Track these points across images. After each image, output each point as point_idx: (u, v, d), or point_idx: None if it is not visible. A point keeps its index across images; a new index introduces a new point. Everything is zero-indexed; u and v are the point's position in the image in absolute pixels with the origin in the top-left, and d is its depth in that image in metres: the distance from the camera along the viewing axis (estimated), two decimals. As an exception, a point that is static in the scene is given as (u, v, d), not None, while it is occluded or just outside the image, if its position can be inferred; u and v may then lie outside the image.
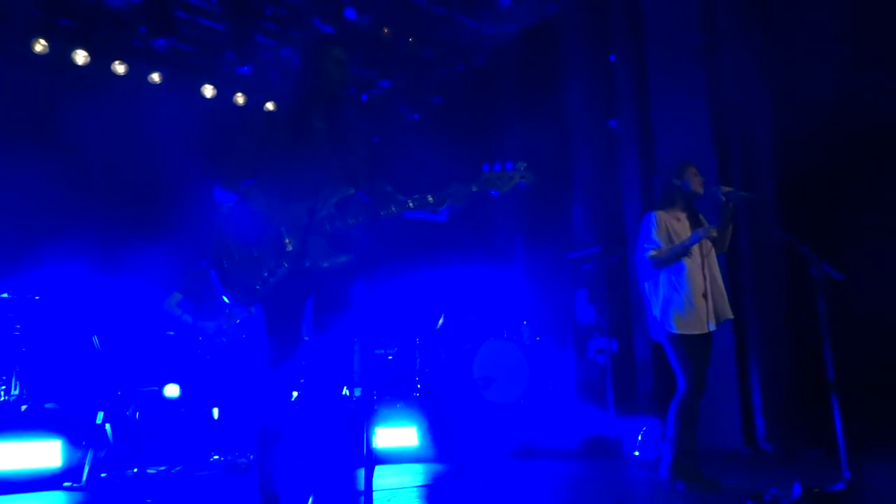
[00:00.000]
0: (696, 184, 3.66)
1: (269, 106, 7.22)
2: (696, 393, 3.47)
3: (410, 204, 2.56)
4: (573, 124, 6.68)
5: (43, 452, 4.14)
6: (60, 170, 6.01)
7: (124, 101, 6.63)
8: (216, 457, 4.83)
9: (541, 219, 6.94)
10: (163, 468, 4.64)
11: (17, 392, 4.64)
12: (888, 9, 4.71)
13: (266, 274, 2.50)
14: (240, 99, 7.28)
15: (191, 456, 4.80)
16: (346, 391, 5.51)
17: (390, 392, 6.09)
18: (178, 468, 4.65)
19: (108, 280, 5.80)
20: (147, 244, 5.73)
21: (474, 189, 2.58)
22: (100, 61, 6.52)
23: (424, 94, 7.86)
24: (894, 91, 4.52)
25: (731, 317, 3.60)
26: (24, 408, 4.40)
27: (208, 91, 7.11)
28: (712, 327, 3.49)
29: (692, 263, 3.52)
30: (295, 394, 4.54)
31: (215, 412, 5.01)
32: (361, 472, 2.19)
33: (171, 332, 5.40)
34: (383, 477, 4.31)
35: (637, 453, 5.08)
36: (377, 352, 6.32)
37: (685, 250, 3.51)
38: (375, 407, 5.37)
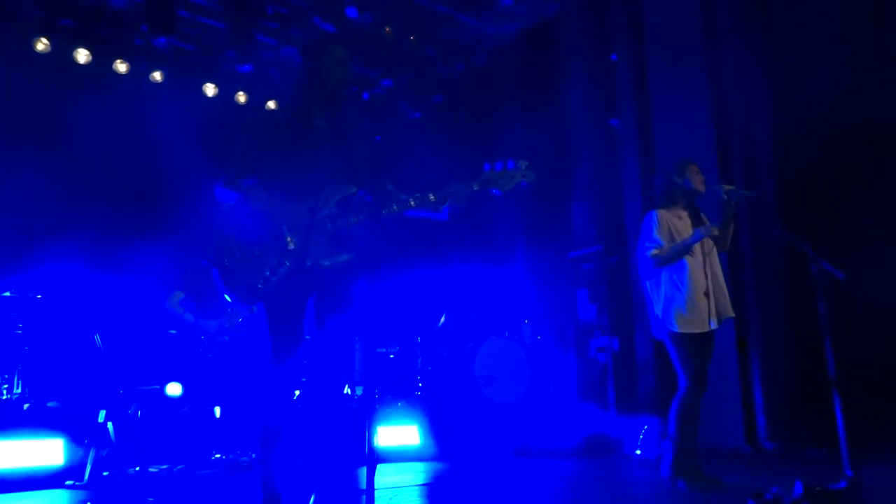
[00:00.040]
0: (697, 182, 3.66)
1: (271, 105, 7.21)
2: (697, 392, 3.47)
3: (412, 203, 2.56)
4: (574, 123, 6.68)
5: (45, 451, 4.15)
6: (62, 168, 6.02)
7: (126, 99, 6.64)
8: (218, 455, 4.84)
9: (542, 218, 6.94)
10: (165, 467, 4.65)
11: (19, 391, 4.65)
12: (888, 9, 4.70)
13: (268, 273, 2.51)
14: (241, 98, 7.29)
15: (193, 454, 4.81)
16: (347, 390, 5.52)
17: (392, 391, 6.09)
18: (179, 467, 4.66)
19: (109, 279, 5.81)
20: (149, 243, 5.74)
21: (476, 188, 2.58)
22: (101, 60, 6.52)
23: (425, 93, 7.86)
24: (894, 91, 4.52)
25: (733, 315, 3.60)
26: (26, 406, 4.41)
27: (209, 90, 7.12)
28: (714, 326, 3.49)
29: (694, 262, 3.52)
30: (297, 392, 4.54)
31: (217, 411, 5.01)
32: (363, 471, 2.19)
33: (173, 331, 5.40)
34: (385, 475, 4.31)
35: (638, 452, 5.09)
36: (378, 350, 6.32)
37: (687, 249, 3.51)
38: (377, 405, 5.38)
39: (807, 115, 4.98)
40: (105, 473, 4.38)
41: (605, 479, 4.21)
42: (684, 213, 3.67)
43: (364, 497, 2.15)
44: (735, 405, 5.35)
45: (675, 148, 5.59)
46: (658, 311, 3.55)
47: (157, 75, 6.80)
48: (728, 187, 3.57)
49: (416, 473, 4.59)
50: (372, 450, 2.17)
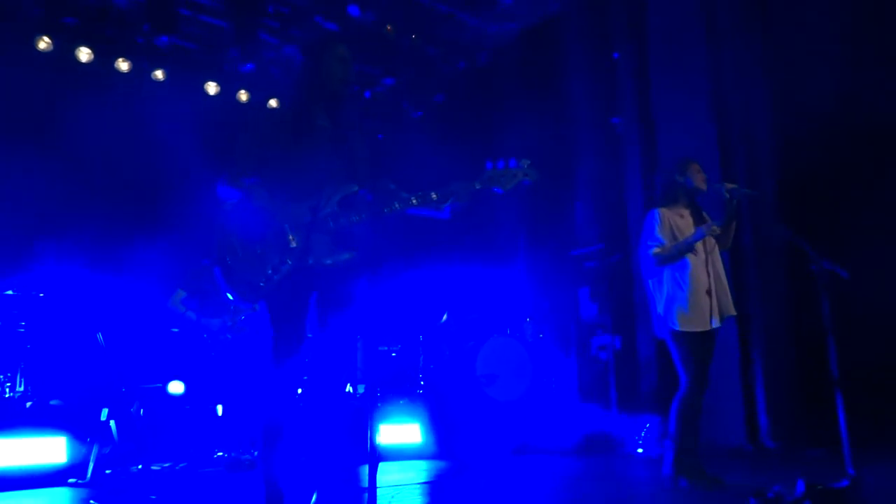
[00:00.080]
0: (698, 180, 3.66)
1: (273, 103, 7.23)
2: (698, 390, 3.47)
3: (414, 201, 2.56)
4: (575, 122, 6.68)
5: (48, 449, 4.16)
6: (64, 167, 6.03)
7: (127, 98, 6.64)
8: (220, 453, 4.85)
9: (543, 216, 6.94)
10: (167, 465, 4.66)
11: (21, 389, 4.66)
12: (888, 9, 4.70)
13: (270, 271, 2.51)
14: (243, 96, 7.29)
15: (195, 452, 4.82)
16: (349, 388, 5.53)
17: (393, 389, 6.10)
18: (182, 465, 4.67)
19: (112, 277, 5.81)
20: (151, 241, 5.75)
21: (477, 186, 2.58)
22: (103, 59, 6.53)
23: (427, 91, 7.86)
24: (895, 90, 4.51)
25: (735, 314, 3.60)
26: (28, 404, 4.42)
27: (211, 88, 7.12)
28: (716, 324, 3.49)
29: (696, 260, 3.52)
30: (299, 390, 4.55)
31: (219, 409, 5.02)
32: (365, 469, 2.19)
33: (176, 330, 5.41)
34: (387, 474, 4.32)
35: (640, 450, 5.09)
36: (380, 349, 6.33)
37: (689, 247, 3.51)
38: (379, 404, 5.39)
39: (808, 114, 4.97)
40: (108, 471, 4.40)
41: (606, 478, 4.21)
42: (686, 212, 3.67)
43: (366, 495, 2.16)
44: (737, 404, 5.35)
45: (676, 146, 5.59)
46: (660, 309, 3.55)
47: (158, 74, 6.81)
48: (730, 185, 3.56)
49: (418, 472, 4.59)
50: (374, 448, 2.17)
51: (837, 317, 3.20)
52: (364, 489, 2.22)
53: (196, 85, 7.07)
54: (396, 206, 2.56)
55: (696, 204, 3.71)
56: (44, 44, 6.19)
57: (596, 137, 6.52)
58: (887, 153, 4.73)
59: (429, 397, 5.88)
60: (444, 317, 6.46)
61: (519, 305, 6.76)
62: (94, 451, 4.25)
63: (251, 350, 5.17)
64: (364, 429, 2.24)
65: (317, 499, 2.50)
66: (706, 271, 3.52)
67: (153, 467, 4.60)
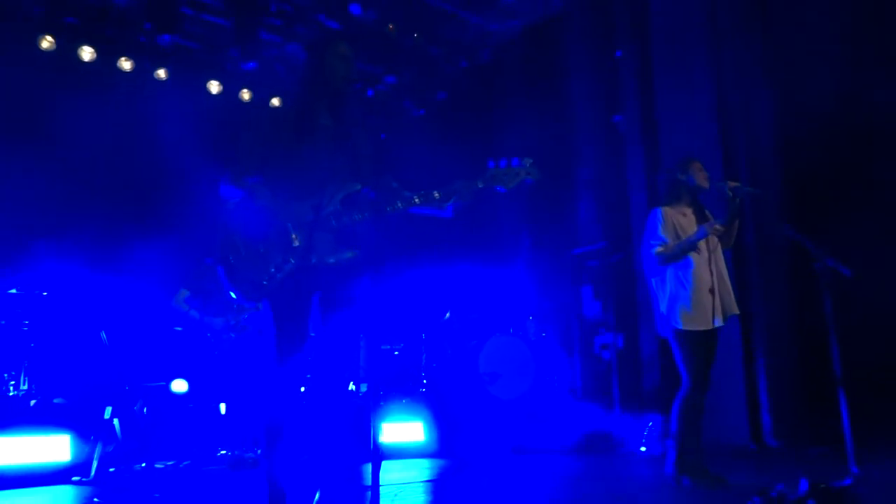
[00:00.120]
0: (701, 178, 3.65)
1: (275, 102, 7.24)
2: (699, 390, 3.47)
3: (416, 200, 2.56)
4: (578, 120, 6.67)
5: (52, 447, 4.17)
6: (67, 166, 6.04)
7: (130, 97, 6.66)
8: (223, 451, 4.86)
9: (546, 215, 6.93)
10: (171, 463, 4.67)
11: (25, 387, 4.67)
12: (888, 8, 4.69)
13: (273, 270, 2.52)
14: (245, 95, 7.29)
15: (198, 451, 4.83)
16: (352, 386, 5.54)
17: (396, 387, 6.10)
18: (185, 463, 4.68)
19: (115, 276, 5.83)
20: (154, 240, 5.76)
21: (480, 185, 2.58)
22: (105, 58, 6.54)
23: (429, 90, 7.86)
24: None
25: (738, 312, 3.60)
26: (33, 403, 4.43)
27: (214, 87, 7.13)
28: (718, 323, 3.48)
29: (699, 259, 3.52)
30: (302, 389, 4.55)
31: (222, 407, 5.03)
32: (368, 467, 2.20)
33: (179, 328, 5.42)
34: (390, 472, 4.32)
35: (643, 449, 5.09)
36: (383, 347, 6.34)
37: (692, 246, 3.50)
38: (381, 402, 5.39)
39: (811, 112, 4.96)
40: (111, 469, 4.41)
41: (609, 476, 4.21)
42: (689, 210, 3.66)
43: (369, 493, 2.16)
44: (740, 403, 5.34)
45: (679, 145, 5.58)
46: (663, 308, 3.55)
47: (161, 73, 6.81)
48: (732, 184, 3.56)
49: (421, 470, 4.60)
50: (376, 446, 2.18)
51: (840, 315, 3.19)
52: (367, 487, 2.23)
53: (198, 84, 7.08)
54: (399, 204, 2.56)
55: (699, 202, 3.71)
56: (46, 43, 6.20)
57: (598, 136, 6.52)
58: (890, 152, 4.72)
59: (431, 396, 5.89)
60: (447, 315, 6.46)
61: (521, 304, 6.76)
62: (97, 449, 4.26)
63: (254, 349, 5.17)
64: (367, 427, 2.24)
65: (320, 497, 2.50)
66: (709, 270, 3.52)
67: (157, 465, 4.61)
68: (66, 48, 6.33)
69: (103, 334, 5.16)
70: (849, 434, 3.10)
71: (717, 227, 3.51)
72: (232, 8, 6.45)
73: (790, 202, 5.45)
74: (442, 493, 3.66)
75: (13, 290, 4.87)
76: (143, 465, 4.57)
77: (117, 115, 6.40)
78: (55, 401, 4.53)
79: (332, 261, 2.56)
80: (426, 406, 5.56)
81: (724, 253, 3.67)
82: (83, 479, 4.15)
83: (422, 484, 3.95)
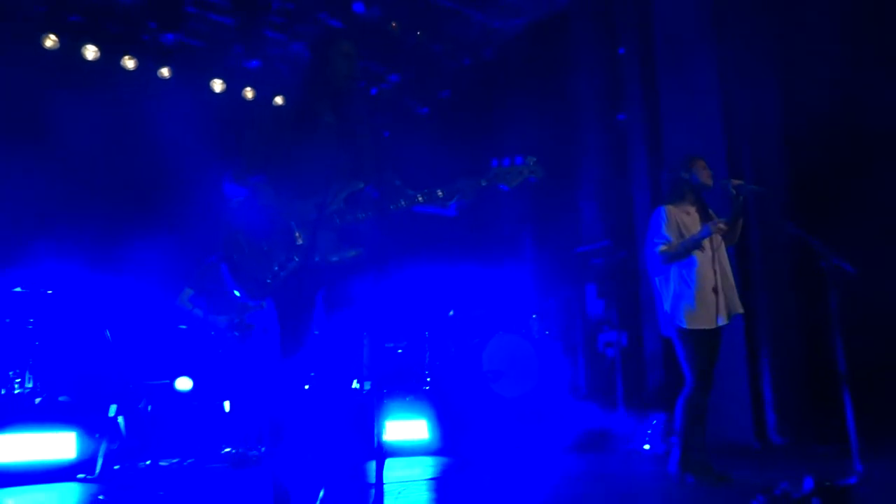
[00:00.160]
0: (704, 177, 3.64)
1: (278, 100, 7.24)
2: (703, 389, 3.46)
3: (419, 198, 2.57)
4: (582, 118, 6.66)
5: (57, 444, 4.19)
6: (71, 164, 6.05)
7: (134, 96, 6.67)
8: (227, 449, 4.87)
9: (549, 213, 6.92)
10: (175, 460, 4.68)
11: (31, 385, 4.69)
12: (889, 8, 4.68)
13: (276, 268, 2.52)
14: (249, 93, 7.30)
15: (202, 448, 4.84)
16: (355, 384, 5.54)
17: (400, 385, 6.11)
18: (189, 460, 4.70)
19: (120, 274, 5.84)
20: (158, 238, 5.77)
21: (483, 184, 2.58)
22: (109, 56, 6.55)
23: (432, 88, 7.85)
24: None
25: (742, 311, 3.59)
26: (38, 400, 4.45)
27: (217, 86, 7.14)
28: (722, 322, 3.48)
29: (703, 257, 3.51)
30: (306, 387, 4.56)
31: (226, 405, 5.05)
32: (372, 465, 2.20)
33: (183, 327, 5.44)
34: (394, 470, 4.33)
35: (647, 447, 5.08)
36: (387, 345, 6.34)
37: (696, 244, 3.49)
38: (385, 400, 5.39)
39: (816, 111, 4.95)
40: (116, 467, 4.42)
41: (612, 474, 4.21)
42: (692, 209, 3.65)
43: (373, 491, 2.16)
44: (744, 401, 5.34)
45: (683, 143, 5.56)
46: (667, 307, 3.54)
47: (164, 71, 6.82)
48: (736, 182, 3.55)
49: (425, 468, 4.61)
50: (380, 444, 2.18)
51: (845, 313, 3.19)
52: (371, 485, 2.23)
53: (202, 82, 7.09)
54: (402, 203, 2.56)
55: (703, 201, 3.70)
56: (50, 42, 6.21)
57: (602, 134, 6.50)
58: (894, 150, 4.71)
59: (435, 394, 5.89)
60: (451, 313, 6.46)
61: (525, 302, 6.76)
62: (102, 446, 4.27)
63: (258, 347, 5.18)
64: (370, 425, 2.25)
65: (324, 495, 2.51)
66: (713, 269, 3.51)
67: (161, 463, 4.62)
68: (70, 47, 6.34)
69: (108, 332, 5.18)
70: (853, 432, 3.09)
71: (721, 225, 3.50)
72: (235, 6, 6.46)
73: (794, 200, 5.43)
74: (446, 491, 3.67)
75: (18, 289, 4.89)
76: (148, 462, 4.58)
77: (121, 113, 6.41)
78: (60, 398, 4.54)
79: (335, 259, 2.56)
80: (429, 404, 5.56)
81: (728, 251, 3.66)
82: (88, 477, 4.17)
83: (425, 482, 3.96)
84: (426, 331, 6.37)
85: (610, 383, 5.94)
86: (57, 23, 6.24)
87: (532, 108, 7.01)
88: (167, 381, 5.05)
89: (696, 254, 3.50)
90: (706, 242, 3.53)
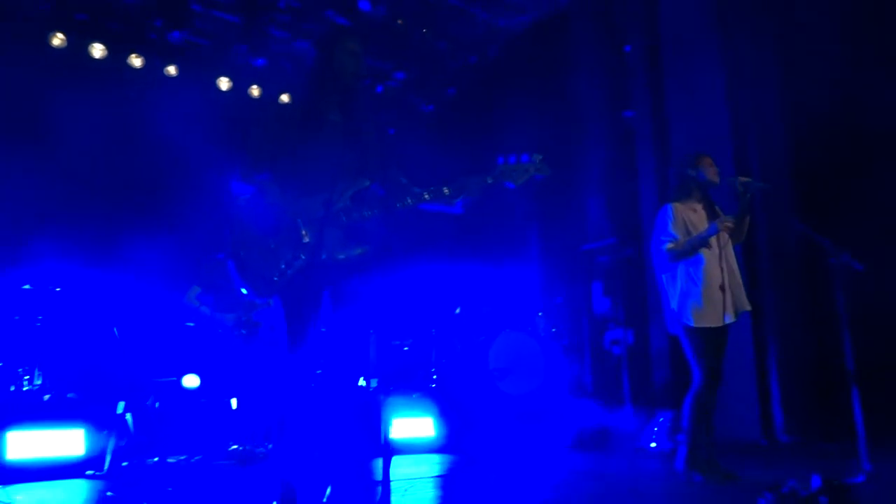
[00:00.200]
0: (711, 174, 3.63)
1: (284, 98, 7.25)
2: (711, 386, 3.45)
3: (426, 196, 2.57)
4: (588, 115, 6.64)
5: (66, 441, 4.22)
6: (79, 162, 6.07)
7: (140, 94, 6.69)
8: (234, 446, 4.88)
9: (555, 210, 6.92)
10: (182, 457, 4.70)
11: (39, 382, 4.72)
12: (889, 8, 4.65)
13: (283, 266, 2.53)
14: (255, 91, 7.31)
15: (210, 445, 4.86)
16: (362, 382, 5.55)
17: (406, 383, 6.12)
18: (197, 457, 4.72)
19: (128, 272, 5.87)
20: (166, 236, 5.79)
21: (490, 181, 2.58)
22: (116, 55, 6.58)
23: (438, 85, 7.85)
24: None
25: (749, 309, 3.58)
26: (46, 397, 4.48)
27: (223, 83, 7.15)
28: (729, 320, 3.46)
29: (710, 255, 3.50)
30: (313, 385, 4.57)
31: (234, 402, 5.06)
32: (378, 463, 2.21)
33: (191, 324, 5.46)
34: (400, 467, 4.34)
35: (653, 445, 5.07)
36: (393, 343, 6.35)
37: (702, 242, 3.48)
38: (391, 398, 5.41)
39: (823, 108, 4.92)
40: (124, 464, 4.44)
41: (619, 472, 4.21)
42: (699, 206, 3.64)
43: (380, 488, 2.17)
44: (752, 399, 5.32)
45: (690, 140, 5.55)
46: (673, 304, 3.53)
47: (171, 69, 6.84)
48: (743, 179, 3.54)
49: (431, 465, 4.61)
50: (387, 442, 2.19)
51: (852, 311, 3.17)
52: (378, 482, 2.24)
53: (208, 80, 7.10)
54: (409, 200, 2.56)
55: (710, 198, 3.68)
56: (57, 40, 6.24)
57: (607, 131, 6.49)
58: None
59: (441, 391, 5.89)
60: (457, 311, 6.46)
61: (531, 300, 6.76)
62: (111, 443, 4.30)
63: (265, 344, 5.20)
64: (377, 422, 2.25)
65: (331, 492, 2.51)
66: (720, 266, 3.50)
67: (169, 460, 4.64)
68: (77, 45, 6.37)
69: (115, 330, 5.20)
70: (861, 430, 3.08)
71: (728, 223, 3.48)
72: (241, 4, 6.47)
73: (801, 197, 5.40)
74: (452, 489, 3.67)
75: (27, 286, 4.92)
76: (156, 459, 4.60)
77: (128, 111, 6.44)
78: (69, 395, 4.57)
79: (341, 257, 2.57)
80: (436, 402, 5.57)
81: (735, 248, 3.64)
82: (96, 473, 4.19)
83: (432, 479, 3.96)
84: (432, 328, 6.37)
85: (616, 381, 5.93)
86: (63, 21, 6.26)
87: (537, 106, 7.00)
88: (175, 378, 5.07)
89: (703, 251, 3.49)
90: (713, 240, 3.51)
